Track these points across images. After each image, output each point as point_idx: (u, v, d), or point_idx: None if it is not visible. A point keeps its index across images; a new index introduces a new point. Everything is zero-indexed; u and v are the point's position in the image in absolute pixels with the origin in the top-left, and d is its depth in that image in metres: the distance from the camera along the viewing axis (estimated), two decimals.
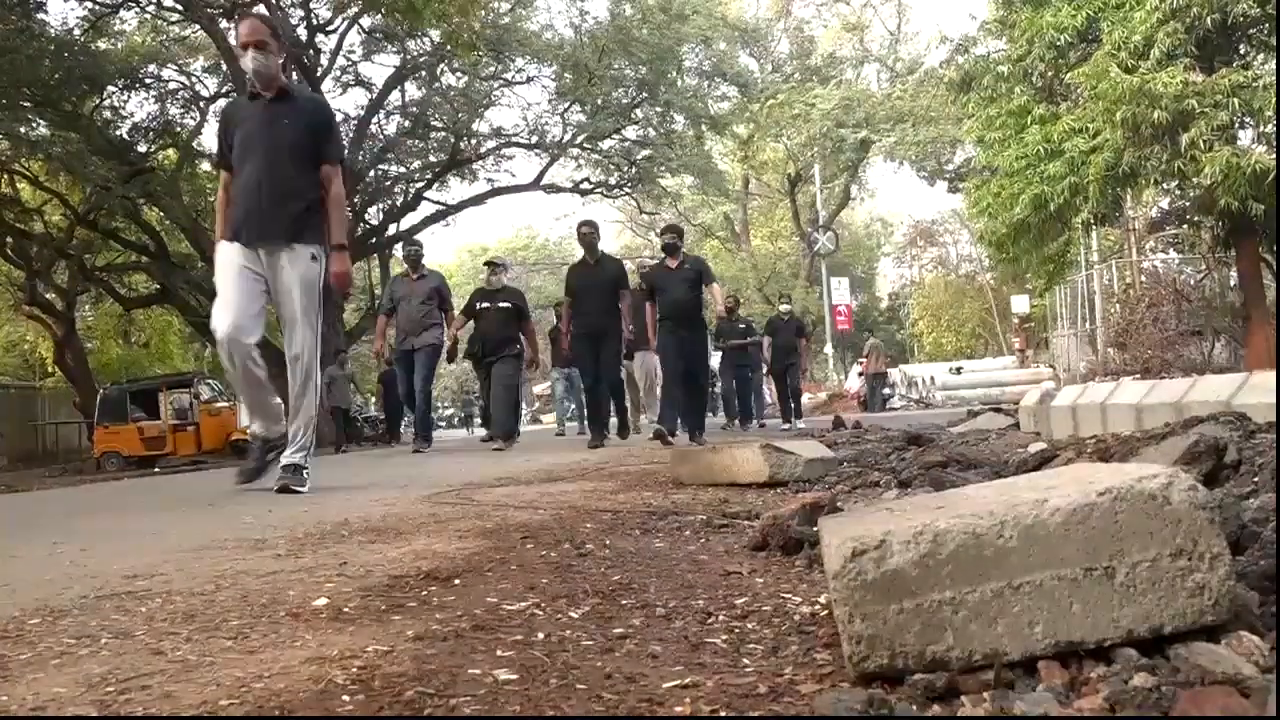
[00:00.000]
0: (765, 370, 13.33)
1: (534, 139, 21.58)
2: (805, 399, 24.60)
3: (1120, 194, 13.45)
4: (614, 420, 9.65)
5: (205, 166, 20.71)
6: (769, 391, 14.89)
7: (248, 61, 4.04)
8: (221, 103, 19.43)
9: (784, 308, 13.50)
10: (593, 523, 2.59)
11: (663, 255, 8.44)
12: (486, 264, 9.64)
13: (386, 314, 9.23)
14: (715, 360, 12.60)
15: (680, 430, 8.15)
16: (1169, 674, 0.97)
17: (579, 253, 8.70)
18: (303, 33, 17.44)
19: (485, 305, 8.80)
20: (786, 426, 11.54)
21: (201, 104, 19.56)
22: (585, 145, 21.99)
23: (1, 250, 19.92)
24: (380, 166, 20.99)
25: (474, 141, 21.30)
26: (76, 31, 16.68)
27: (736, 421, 12.52)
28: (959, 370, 22.80)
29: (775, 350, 12.90)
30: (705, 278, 8.18)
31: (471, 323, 9.02)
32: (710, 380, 11.13)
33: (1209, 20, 11.58)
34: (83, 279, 20.76)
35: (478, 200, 22.03)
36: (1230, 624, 1.04)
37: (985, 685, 1.00)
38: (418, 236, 14.71)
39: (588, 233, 8.35)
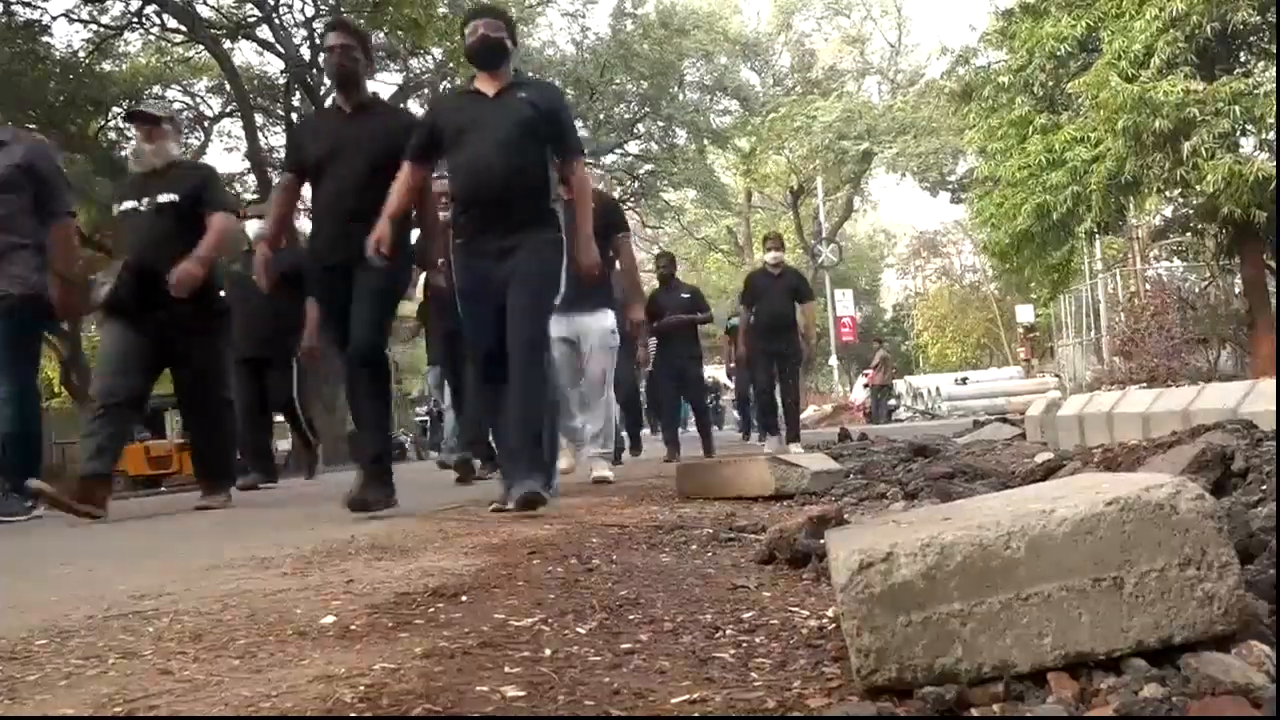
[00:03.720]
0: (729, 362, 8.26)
1: None
2: (810, 411, 24.07)
3: (1123, 202, 13.43)
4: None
5: None
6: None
7: None
8: (225, 122, 19.61)
9: (771, 257, 8.17)
10: (599, 537, 2.59)
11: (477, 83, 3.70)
12: (129, 116, 5.36)
13: None
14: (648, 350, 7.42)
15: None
16: (1179, 684, 0.97)
17: None
18: (306, 52, 17.53)
19: (130, 206, 4.59)
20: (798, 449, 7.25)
21: (206, 124, 19.68)
22: (588, 160, 22.03)
23: None
24: None
25: None
26: (81, 54, 16.79)
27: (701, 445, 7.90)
28: (964, 381, 22.72)
29: (759, 327, 7.94)
30: (559, 136, 3.61)
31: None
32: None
33: (1209, 29, 11.60)
34: None
35: None
36: (1240, 633, 1.03)
37: (995, 697, 1.00)
38: None
39: (340, 49, 3.83)
